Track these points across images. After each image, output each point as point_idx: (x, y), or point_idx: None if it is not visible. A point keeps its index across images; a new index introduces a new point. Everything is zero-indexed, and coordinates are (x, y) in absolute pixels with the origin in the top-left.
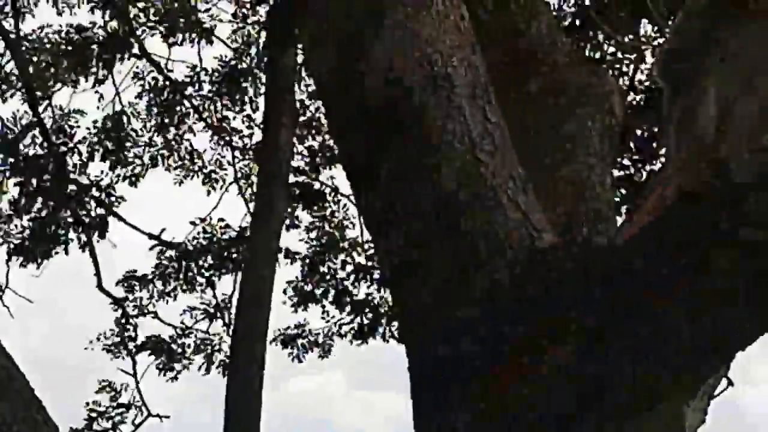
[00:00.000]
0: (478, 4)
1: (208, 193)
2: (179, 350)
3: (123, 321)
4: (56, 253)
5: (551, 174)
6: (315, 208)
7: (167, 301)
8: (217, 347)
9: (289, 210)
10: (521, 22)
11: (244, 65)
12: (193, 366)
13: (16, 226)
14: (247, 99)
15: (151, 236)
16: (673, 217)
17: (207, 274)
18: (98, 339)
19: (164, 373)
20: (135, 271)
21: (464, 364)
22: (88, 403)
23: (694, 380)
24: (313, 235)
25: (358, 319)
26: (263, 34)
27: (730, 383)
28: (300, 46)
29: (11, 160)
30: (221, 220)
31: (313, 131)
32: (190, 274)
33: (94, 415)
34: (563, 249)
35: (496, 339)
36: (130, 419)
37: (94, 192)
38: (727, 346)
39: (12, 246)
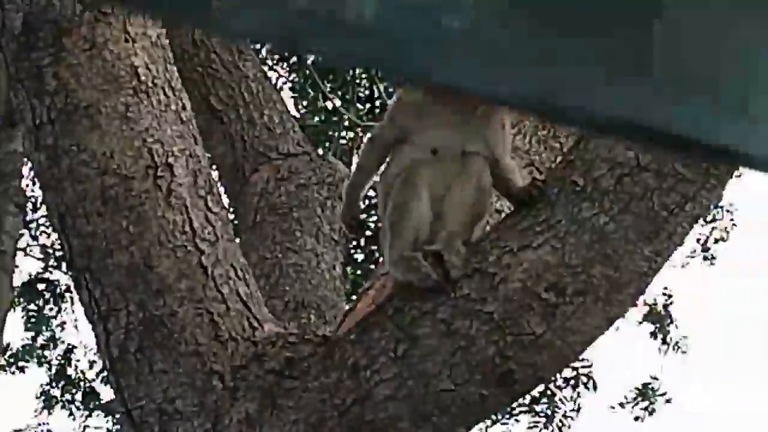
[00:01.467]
0: (207, 91)
1: None
2: None
3: None
4: None
5: (278, 261)
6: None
7: None
8: None
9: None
10: (254, 110)
11: None
12: None
13: None
14: None
15: None
16: (389, 309)
17: None
18: None
19: None
20: None
21: None
22: None
23: None
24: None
25: (108, 423)
26: None
27: None
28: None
29: None
30: None
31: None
32: None
33: None
34: (283, 340)
35: (213, 428)
36: None
37: None
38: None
39: None
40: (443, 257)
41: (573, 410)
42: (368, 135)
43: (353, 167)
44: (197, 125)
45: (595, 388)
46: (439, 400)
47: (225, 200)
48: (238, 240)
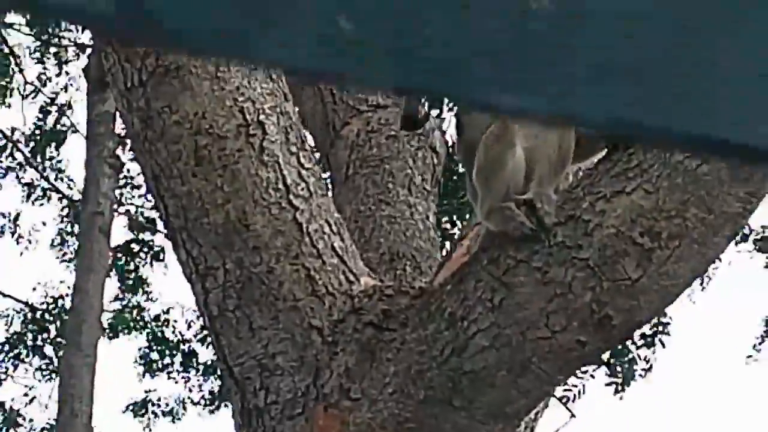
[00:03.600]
0: None
1: (21, 254)
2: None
3: None
4: None
5: (372, 214)
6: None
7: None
8: None
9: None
10: None
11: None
12: None
13: None
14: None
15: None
16: (483, 258)
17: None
18: None
19: None
20: None
21: (285, 408)
22: None
23: (512, 415)
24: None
25: (208, 385)
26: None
27: (573, 415)
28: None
29: None
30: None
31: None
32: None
33: None
34: (380, 293)
35: (314, 382)
36: None
37: None
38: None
39: None
40: (535, 205)
41: (645, 369)
42: None
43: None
44: (286, 82)
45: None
46: (537, 349)
47: (317, 155)
48: (331, 194)
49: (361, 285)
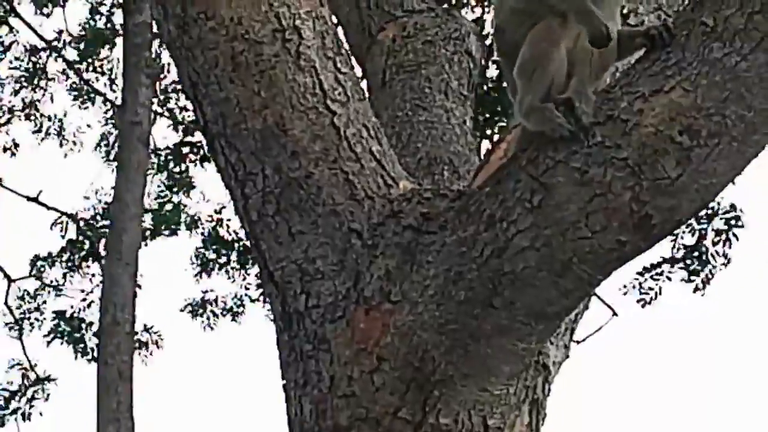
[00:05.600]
0: None
1: (65, 155)
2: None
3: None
4: None
5: (409, 119)
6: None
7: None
8: None
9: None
10: None
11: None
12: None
13: None
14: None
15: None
16: (522, 160)
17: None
18: None
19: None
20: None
21: (325, 311)
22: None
23: (552, 316)
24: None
25: None
26: None
27: (615, 313)
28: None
29: None
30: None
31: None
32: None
33: (7, 394)
34: (419, 196)
35: (354, 285)
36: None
37: None
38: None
39: None
40: (574, 105)
41: (723, 264)
42: None
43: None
44: None
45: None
46: (576, 249)
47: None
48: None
49: (400, 189)
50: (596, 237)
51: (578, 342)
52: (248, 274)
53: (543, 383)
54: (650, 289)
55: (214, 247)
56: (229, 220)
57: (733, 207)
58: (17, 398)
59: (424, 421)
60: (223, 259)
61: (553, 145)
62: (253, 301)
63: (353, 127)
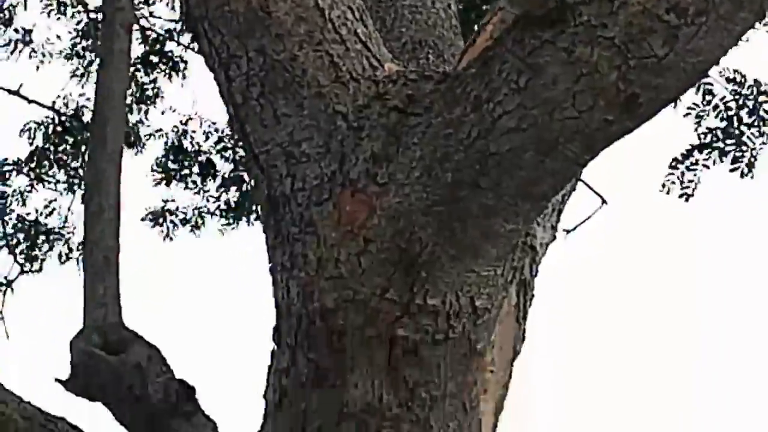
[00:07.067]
0: None
1: (37, 68)
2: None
3: None
4: None
5: (393, 4)
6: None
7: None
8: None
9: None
10: None
11: None
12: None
13: None
14: None
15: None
16: (508, 41)
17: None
18: None
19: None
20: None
21: (311, 194)
22: None
23: (539, 197)
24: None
25: (226, 195)
26: None
27: (604, 201)
28: None
29: None
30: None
31: None
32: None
33: None
34: (404, 78)
35: (340, 168)
36: None
37: None
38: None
39: None
40: None
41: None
42: None
43: None
44: None
45: None
46: (563, 129)
47: None
48: None
49: (385, 70)
50: (583, 116)
51: (567, 231)
52: (208, 190)
53: (530, 264)
54: (690, 181)
55: (177, 157)
56: (194, 131)
57: (756, 82)
58: None
59: (411, 302)
60: (185, 172)
61: (539, 25)
62: (212, 214)
63: (338, 8)
